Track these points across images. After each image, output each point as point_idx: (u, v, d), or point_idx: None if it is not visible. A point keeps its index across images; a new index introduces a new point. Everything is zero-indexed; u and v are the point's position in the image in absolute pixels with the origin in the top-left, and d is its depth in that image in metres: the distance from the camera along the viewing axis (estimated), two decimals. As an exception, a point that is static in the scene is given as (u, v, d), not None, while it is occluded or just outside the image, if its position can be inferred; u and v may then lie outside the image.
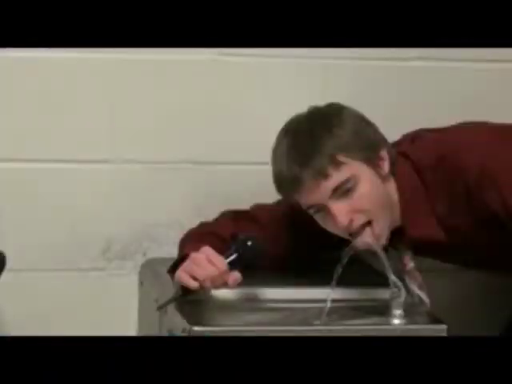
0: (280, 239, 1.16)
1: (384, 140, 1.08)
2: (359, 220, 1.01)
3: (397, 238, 1.09)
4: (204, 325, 0.94)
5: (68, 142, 1.34)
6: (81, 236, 1.36)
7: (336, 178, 1.00)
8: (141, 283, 1.34)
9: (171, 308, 1.02)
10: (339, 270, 1.00)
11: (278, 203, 1.19)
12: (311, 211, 1.04)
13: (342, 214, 0.99)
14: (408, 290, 1.07)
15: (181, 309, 1.00)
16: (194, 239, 1.14)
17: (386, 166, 1.05)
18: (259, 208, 1.19)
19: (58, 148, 1.34)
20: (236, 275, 0.98)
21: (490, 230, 1.03)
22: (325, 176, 1.00)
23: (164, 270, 1.17)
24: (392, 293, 1.02)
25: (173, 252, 1.21)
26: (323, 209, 1.02)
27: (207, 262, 0.97)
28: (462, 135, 1.08)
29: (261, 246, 1.04)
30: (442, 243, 1.07)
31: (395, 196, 1.07)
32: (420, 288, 1.11)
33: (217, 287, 1.01)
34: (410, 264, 1.12)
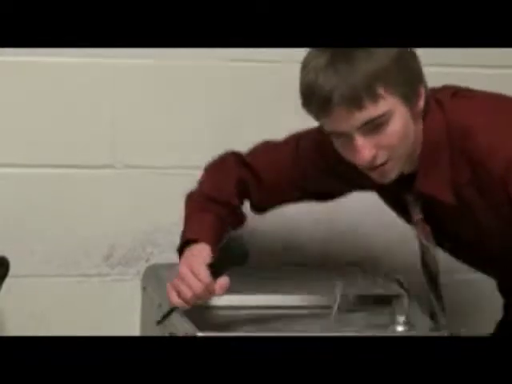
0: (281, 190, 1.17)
1: (422, 73, 1.00)
2: (382, 157, 0.96)
3: (407, 185, 1.04)
4: (208, 330, 0.95)
5: (70, 147, 1.35)
6: (83, 242, 1.36)
7: (371, 111, 0.93)
8: (144, 288, 1.34)
9: (174, 313, 1.02)
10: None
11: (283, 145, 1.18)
12: (333, 136, 0.99)
13: (367, 149, 0.94)
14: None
15: (183, 313, 1.00)
16: (196, 209, 1.14)
17: (420, 105, 0.98)
18: (260, 160, 1.19)
19: (60, 153, 1.35)
20: (222, 282, 0.97)
21: (500, 219, 0.98)
22: (359, 107, 0.92)
23: (167, 275, 1.17)
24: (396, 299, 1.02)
25: (175, 257, 1.21)
26: (348, 137, 0.96)
27: (191, 276, 0.96)
28: (503, 127, 0.99)
29: (246, 245, 1.03)
30: (447, 206, 1.01)
31: (420, 139, 1.01)
32: (427, 239, 1.07)
33: (204, 299, 1.00)
34: (419, 215, 1.06)
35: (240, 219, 1.18)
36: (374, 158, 0.95)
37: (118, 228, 1.37)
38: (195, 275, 0.96)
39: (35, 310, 1.35)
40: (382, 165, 0.96)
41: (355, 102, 0.91)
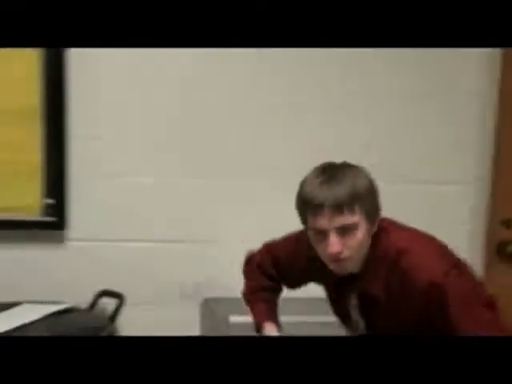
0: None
1: (380, 206, 1.44)
2: (345, 253, 1.33)
3: (350, 281, 1.44)
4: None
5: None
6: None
7: (347, 219, 1.30)
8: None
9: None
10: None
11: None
12: (312, 232, 1.36)
13: (336, 244, 1.30)
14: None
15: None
16: (250, 301, 1.64)
17: (375, 227, 1.38)
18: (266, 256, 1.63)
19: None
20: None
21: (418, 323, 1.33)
22: (340, 214, 1.30)
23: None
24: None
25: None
26: (325, 234, 1.32)
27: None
28: (426, 252, 1.37)
29: None
30: (378, 303, 1.39)
31: (367, 250, 1.41)
32: (357, 315, 1.46)
33: None
34: (353, 301, 1.48)
35: (279, 290, 1.69)
36: (340, 253, 1.31)
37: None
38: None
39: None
40: (344, 260, 1.34)
41: (338, 209, 1.28)
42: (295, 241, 1.59)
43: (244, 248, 1.61)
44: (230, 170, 2.09)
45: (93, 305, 2.00)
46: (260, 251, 1.68)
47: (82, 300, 1.95)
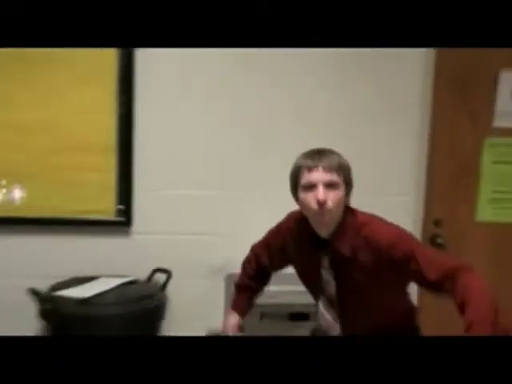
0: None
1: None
2: (329, 205, 1.54)
3: (322, 245, 1.64)
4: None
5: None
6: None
7: (334, 177, 1.54)
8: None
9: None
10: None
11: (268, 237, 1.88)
12: (303, 189, 1.56)
13: (323, 194, 1.52)
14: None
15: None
16: (235, 291, 1.96)
17: (348, 200, 1.62)
18: (258, 246, 1.93)
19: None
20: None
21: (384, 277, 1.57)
22: (331, 172, 1.54)
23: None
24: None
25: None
26: (313, 187, 1.53)
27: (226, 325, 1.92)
28: (383, 224, 1.61)
29: None
30: (346, 260, 1.60)
31: (339, 217, 1.61)
32: (329, 276, 1.65)
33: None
34: (325, 263, 1.67)
35: (259, 291, 1.96)
36: (325, 201, 1.53)
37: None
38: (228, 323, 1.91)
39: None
40: (327, 211, 1.53)
41: (329, 169, 1.54)
42: (281, 227, 1.81)
43: (256, 240, 1.91)
44: (237, 184, 2.48)
45: (149, 278, 2.47)
46: (259, 242, 1.93)
47: (142, 275, 2.46)
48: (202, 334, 2.42)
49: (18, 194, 2.42)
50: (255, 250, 1.94)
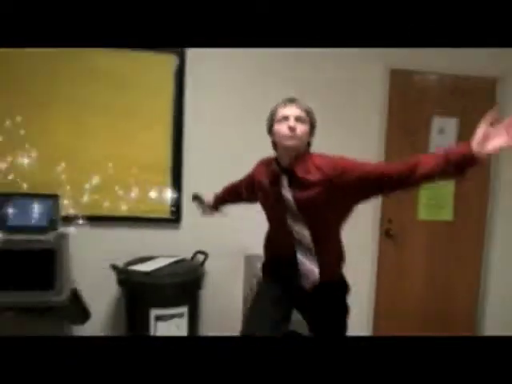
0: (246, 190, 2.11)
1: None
2: (298, 133, 1.70)
3: (283, 172, 1.76)
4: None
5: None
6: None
7: (303, 114, 1.73)
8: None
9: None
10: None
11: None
12: (279, 122, 1.73)
13: (294, 122, 1.70)
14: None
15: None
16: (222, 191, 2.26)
17: (310, 139, 1.79)
18: (239, 181, 2.17)
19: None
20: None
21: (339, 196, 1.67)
22: (301, 110, 1.73)
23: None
24: None
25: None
26: (287, 119, 1.71)
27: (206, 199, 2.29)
28: (328, 156, 1.73)
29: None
30: (302, 180, 1.69)
31: (302, 150, 1.76)
32: (290, 202, 1.74)
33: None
34: (285, 182, 1.76)
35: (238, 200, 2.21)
36: (295, 129, 1.70)
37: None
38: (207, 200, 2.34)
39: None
40: (295, 137, 1.69)
41: (300, 106, 1.75)
42: (253, 169, 1.99)
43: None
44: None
45: (192, 258, 3.02)
46: (240, 180, 2.15)
47: (187, 255, 3.02)
48: (229, 296, 3.04)
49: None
50: (233, 183, 2.26)
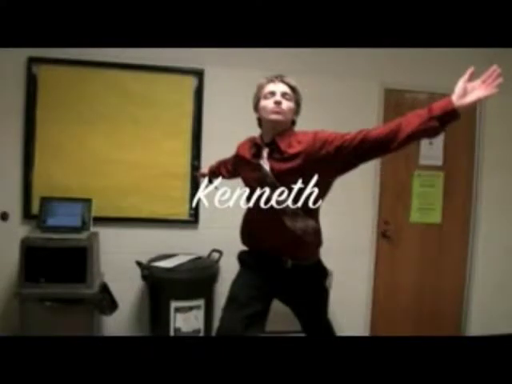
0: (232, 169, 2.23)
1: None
2: (283, 107, 1.72)
3: (265, 145, 1.81)
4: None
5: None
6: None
7: (288, 90, 1.74)
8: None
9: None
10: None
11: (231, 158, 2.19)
12: (265, 97, 1.74)
13: (280, 97, 1.72)
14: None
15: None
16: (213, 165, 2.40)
17: (295, 118, 1.82)
18: (227, 159, 2.27)
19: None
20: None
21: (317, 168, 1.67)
22: (286, 85, 1.75)
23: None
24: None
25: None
26: (273, 94, 1.72)
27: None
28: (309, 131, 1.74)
29: None
30: (283, 152, 1.71)
31: (286, 126, 1.79)
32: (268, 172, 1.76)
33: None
34: (265, 153, 1.80)
35: (226, 175, 2.30)
36: (281, 103, 1.71)
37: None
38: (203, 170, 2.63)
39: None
40: (281, 112, 1.70)
41: (286, 83, 1.76)
42: (236, 149, 2.03)
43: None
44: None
45: (209, 255, 3.21)
46: (229, 158, 2.22)
47: (204, 253, 3.21)
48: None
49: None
50: (224, 158, 2.37)
